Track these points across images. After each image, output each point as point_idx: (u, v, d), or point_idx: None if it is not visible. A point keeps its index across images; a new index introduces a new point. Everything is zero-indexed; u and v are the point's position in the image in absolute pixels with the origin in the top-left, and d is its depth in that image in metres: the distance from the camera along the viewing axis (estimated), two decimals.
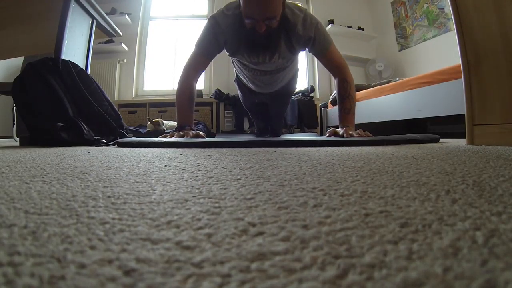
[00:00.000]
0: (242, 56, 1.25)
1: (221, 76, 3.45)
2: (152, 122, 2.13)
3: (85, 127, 1.27)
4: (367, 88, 2.52)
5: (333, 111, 2.69)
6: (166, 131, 1.65)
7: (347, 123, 1.17)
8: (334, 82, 1.31)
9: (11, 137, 2.15)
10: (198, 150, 0.76)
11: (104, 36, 2.01)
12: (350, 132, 1.06)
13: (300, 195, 0.23)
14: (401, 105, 2.06)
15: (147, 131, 2.14)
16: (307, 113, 2.93)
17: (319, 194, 0.24)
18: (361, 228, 0.16)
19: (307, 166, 0.41)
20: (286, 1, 1.12)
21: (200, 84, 3.55)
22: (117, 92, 3.44)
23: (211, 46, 1.20)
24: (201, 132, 1.14)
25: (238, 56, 1.27)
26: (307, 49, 1.24)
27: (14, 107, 1.88)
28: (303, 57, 3.84)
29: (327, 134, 1.14)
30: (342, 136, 1.08)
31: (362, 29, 3.87)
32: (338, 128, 1.17)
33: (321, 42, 1.19)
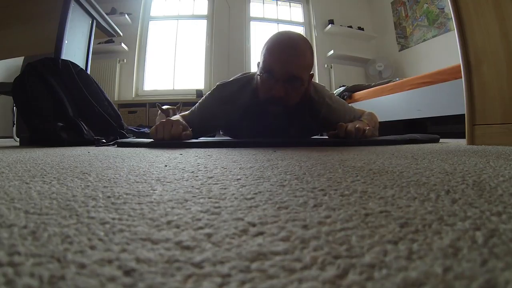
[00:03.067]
0: (237, 129, 1.10)
1: (221, 75, 3.46)
2: (162, 110, 1.92)
3: (85, 127, 1.27)
4: (367, 88, 2.52)
5: None
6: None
7: (363, 120, 1.08)
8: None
9: (11, 137, 2.15)
10: (198, 150, 0.76)
11: (104, 36, 2.01)
12: (357, 126, 0.92)
13: (300, 195, 0.23)
14: (401, 105, 2.06)
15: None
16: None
17: (319, 194, 0.24)
18: (361, 228, 0.16)
19: (307, 166, 0.41)
20: (313, 81, 1.00)
21: (200, 83, 3.55)
22: (117, 92, 3.45)
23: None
24: (185, 131, 0.91)
25: (243, 122, 1.08)
26: None
27: (14, 107, 1.88)
28: None
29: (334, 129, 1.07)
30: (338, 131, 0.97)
31: (362, 29, 3.88)
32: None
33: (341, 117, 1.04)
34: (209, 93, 1.08)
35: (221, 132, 1.45)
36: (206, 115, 1.05)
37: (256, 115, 1.01)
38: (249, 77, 1.05)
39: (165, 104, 2.36)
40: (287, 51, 0.87)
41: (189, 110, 1.13)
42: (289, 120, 1.02)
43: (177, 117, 1.10)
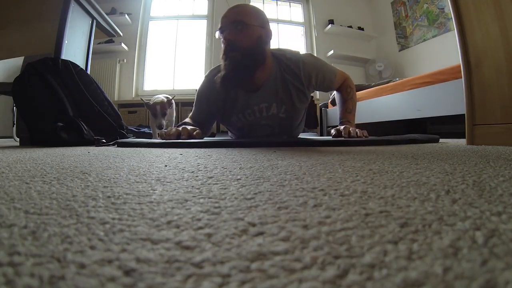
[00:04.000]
0: (235, 114, 1.16)
1: None
2: (148, 107, 1.47)
3: (85, 127, 1.27)
4: (367, 88, 2.52)
5: (333, 111, 2.69)
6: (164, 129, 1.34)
7: (348, 120, 1.17)
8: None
9: (11, 137, 2.15)
10: (198, 150, 0.76)
11: (104, 36, 2.01)
12: (351, 129, 1.05)
13: (300, 195, 0.23)
14: (401, 105, 2.06)
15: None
16: (307, 113, 2.92)
17: (319, 194, 0.24)
18: (361, 228, 0.16)
19: (307, 166, 0.41)
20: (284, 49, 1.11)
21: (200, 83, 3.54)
22: (117, 92, 3.44)
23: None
24: (195, 132, 1.02)
25: (233, 117, 1.17)
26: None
27: (14, 107, 1.88)
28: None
29: (333, 132, 1.10)
30: (341, 133, 1.06)
31: (362, 29, 3.88)
32: (337, 127, 1.16)
33: (326, 77, 1.15)
34: (202, 81, 1.21)
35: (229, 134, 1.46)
36: (203, 104, 1.18)
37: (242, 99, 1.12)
38: None
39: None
40: (230, 8, 1.04)
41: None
42: (275, 95, 1.11)
43: (186, 121, 1.20)
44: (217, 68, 1.14)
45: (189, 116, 1.24)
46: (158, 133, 1.18)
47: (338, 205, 0.20)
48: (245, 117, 1.17)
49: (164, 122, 1.37)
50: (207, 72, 1.21)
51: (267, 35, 1.05)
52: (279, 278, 0.10)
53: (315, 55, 4.00)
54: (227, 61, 1.04)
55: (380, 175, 0.32)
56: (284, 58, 1.10)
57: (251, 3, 3.79)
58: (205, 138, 1.24)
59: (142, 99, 1.75)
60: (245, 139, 1.18)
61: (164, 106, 1.34)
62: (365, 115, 2.37)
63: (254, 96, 1.11)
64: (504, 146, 0.78)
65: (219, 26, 1.04)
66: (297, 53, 1.13)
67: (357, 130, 1.06)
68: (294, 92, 1.11)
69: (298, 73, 1.09)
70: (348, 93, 1.21)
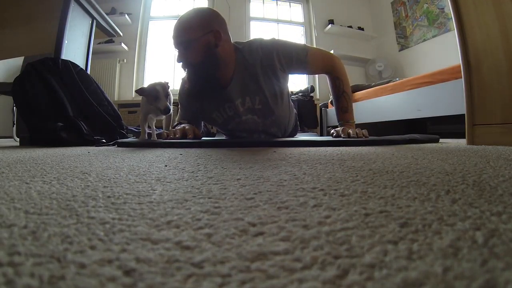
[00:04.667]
0: (214, 111, 1.17)
1: None
2: (143, 92, 1.10)
3: (85, 127, 1.27)
4: (367, 88, 2.52)
5: (333, 111, 2.68)
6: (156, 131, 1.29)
7: (345, 120, 1.14)
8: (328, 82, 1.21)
9: (11, 137, 2.15)
10: (198, 150, 0.76)
11: (104, 36, 2.01)
12: (349, 131, 1.03)
13: (300, 195, 0.23)
14: (401, 105, 2.06)
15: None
16: (307, 113, 2.93)
17: (319, 194, 0.24)
18: (361, 228, 0.16)
19: (307, 166, 0.41)
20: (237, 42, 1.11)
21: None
22: (117, 92, 3.44)
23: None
24: (190, 133, 1.05)
25: (213, 113, 1.18)
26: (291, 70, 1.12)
27: (14, 107, 1.88)
28: None
29: (332, 133, 1.09)
30: (340, 135, 1.05)
31: (362, 29, 3.87)
32: (337, 127, 1.14)
33: (293, 53, 1.09)
34: (180, 84, 1.25)
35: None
36: (186, 105, 1.22)
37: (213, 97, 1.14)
38: None
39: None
40: (174, 27, 1.03)
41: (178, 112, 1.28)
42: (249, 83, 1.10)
43: (182, 121, 1.21)
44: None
45: (177, 120, 1.26)
46: (161, 133, 1.15)
47: (338, 205, 0.20)
48: (225, 112, 1.17)
49: (170, 106, 1.16)
50: (184, 75, 1.20)
51: (217, 37, 1.02)
52: (279, 278, 0.10)
53: None
54: (186, 75, 1.10)
55: (380, 175, 0.32)
56: (245, 50, 1.10)
57: (251, 3, 3.80)
58: (204, 138, 1.24)
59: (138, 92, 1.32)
60: (238, 137, 1.20)
61: (165, 86, 1.15)
62: (365, 115, 2.37)
63: (226, 93, 1.11)
64: (504, 146, 0.78)
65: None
66: (256, 40, 1.12)
67: (356, 130, 1.04)
68: (262, 81, 1.09)
69: (259, 59, 1.07)
70: (337, 87, 1.14)
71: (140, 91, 1.10)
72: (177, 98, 1.26)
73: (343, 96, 1.15)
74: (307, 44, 1.18)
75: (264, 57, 1.08)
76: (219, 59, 1.04)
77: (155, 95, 1.10)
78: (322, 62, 1.15)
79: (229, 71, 1.08)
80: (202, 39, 1.00)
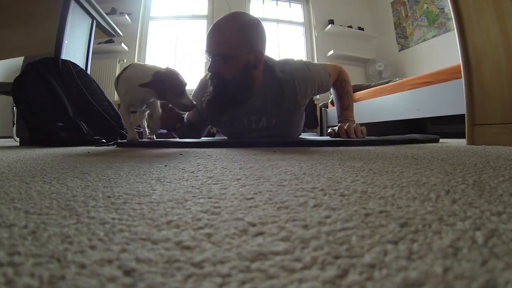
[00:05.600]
0: (223, 123, 1.15)
1: None
2: (160, 81, 0.87)
3: (85, 127, 1.27)
4: (367, 88, 2.52)
5: (333, 111, 2.68)
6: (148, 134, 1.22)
7: (345, 117, 1.15)
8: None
9: (11, 137, 2.15)
10: (198, 150, 0.76)
11: (104, 36, 2.01)
12: (345, 127, 1.03)
13: (300, 195, 0.23)
14: (401, 105, 2.06)
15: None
16: (307, 113, 2.92)
17: (319, 194, 0.24)
18: (361, 228, 0.16)
19: (307, 166, 0.41)
20: (270, 60, 1.05)
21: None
22: None
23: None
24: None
25: (220, 123, 1.17)
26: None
27: (14, 107, 1.88)
28: (303, 55, 3.85)
29: (330, 132, 1.10)
30: (338, 133, 1.06)
31: (362, 29, 3.88)
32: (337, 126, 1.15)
33: (323, 81, 1.09)
34: (196, 85, 1.25)
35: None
36: (200, 111, 1.19)
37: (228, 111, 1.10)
38: None
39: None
40: (213, 32, 0.95)
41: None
42: (262, 109, 1.07)
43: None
44: (205, 77, 1.15)
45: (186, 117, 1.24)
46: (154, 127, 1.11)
47: (338, 205, 0.20)
48: (233, 126, 1.14)
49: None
50: (202, 77, 1.21)
51: (257, 58, 0.96)
52: (279, 278, 0.10)
53: (315, 55, 3.97)
54: (212, 86, 1.03)
55: (380, 175, 0.32)
56: (277, 73, 1.04)
57: (251, 3, 3.80)
58: (204, 138, 1.24)
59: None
60: (243, 138, 1.18)
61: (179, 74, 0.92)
62: (365, 115, 2.37)
63: (244, 107, 1.07)
64: (504, 146, 0.78)
65: (205, 48, 0.97)
66: (290, 69, 1.05)
67: (354, 125, 1.04)
68: (286, 107, 1.06)
69: (293, 90, 1.04)
70: (343, 88, 1.18)
71: (152, 83, 0.76)
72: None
73: (346, 95, 1.18)
74: (322, 63, 1.19)
75: (300, 91, 1.04)
76: (254, 80, 1.00)
77: (181, 89, 0.82)
78: (334, 73, 1.18)
79: (256, 89, 1.04)
80: (242, 57, 0.94)
